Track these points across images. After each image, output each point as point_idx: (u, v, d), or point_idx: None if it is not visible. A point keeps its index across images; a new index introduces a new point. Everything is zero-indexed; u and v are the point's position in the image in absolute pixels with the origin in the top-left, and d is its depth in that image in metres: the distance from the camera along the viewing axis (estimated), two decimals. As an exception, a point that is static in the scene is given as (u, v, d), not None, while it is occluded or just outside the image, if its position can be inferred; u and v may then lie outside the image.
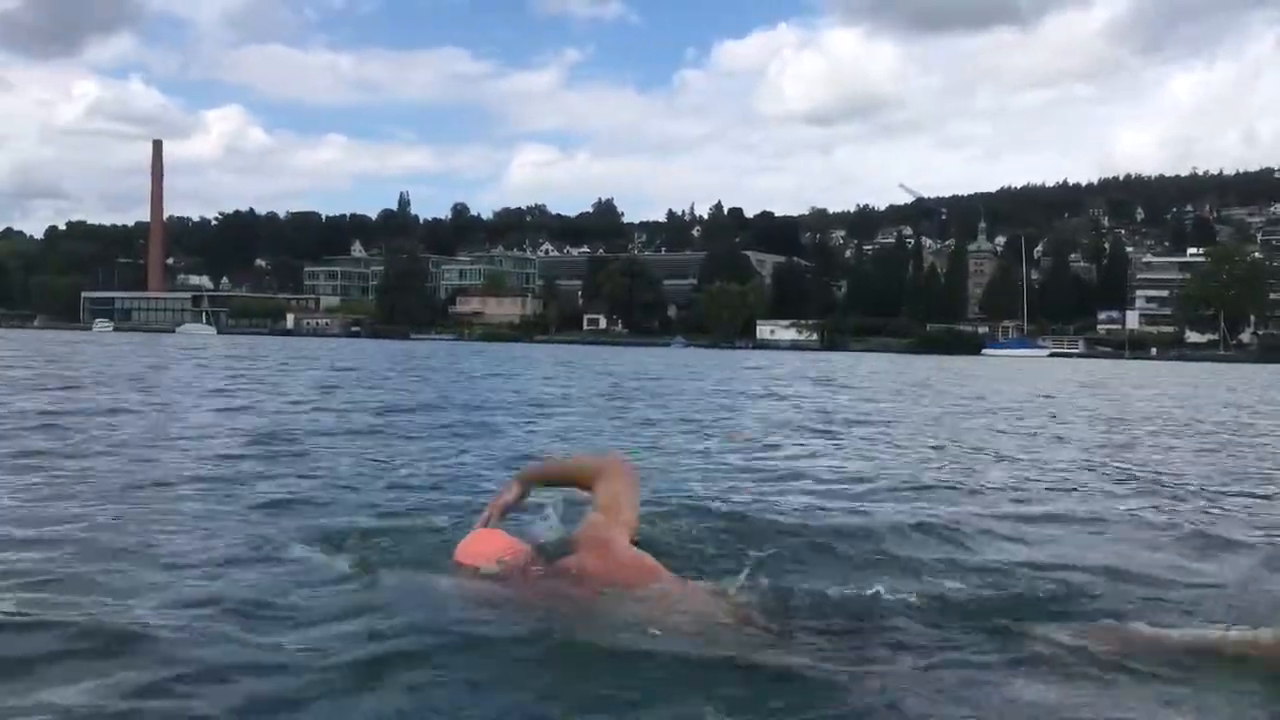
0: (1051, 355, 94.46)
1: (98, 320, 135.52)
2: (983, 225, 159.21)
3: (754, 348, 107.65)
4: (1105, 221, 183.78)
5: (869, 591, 3.48)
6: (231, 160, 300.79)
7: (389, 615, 3.18)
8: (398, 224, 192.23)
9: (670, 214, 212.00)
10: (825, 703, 2.57)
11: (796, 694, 2.62)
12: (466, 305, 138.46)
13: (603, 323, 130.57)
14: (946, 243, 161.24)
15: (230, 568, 3.88)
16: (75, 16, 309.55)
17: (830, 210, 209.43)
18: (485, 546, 3.60)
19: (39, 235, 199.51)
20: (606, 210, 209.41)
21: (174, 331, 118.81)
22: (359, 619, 3.16)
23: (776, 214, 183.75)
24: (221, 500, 5.37)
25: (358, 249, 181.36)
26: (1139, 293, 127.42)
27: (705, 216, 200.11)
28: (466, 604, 3.34)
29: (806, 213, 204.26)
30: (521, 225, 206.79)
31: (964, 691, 2.68)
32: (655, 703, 2.56)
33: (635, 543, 3.53)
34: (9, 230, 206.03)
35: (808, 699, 2.58)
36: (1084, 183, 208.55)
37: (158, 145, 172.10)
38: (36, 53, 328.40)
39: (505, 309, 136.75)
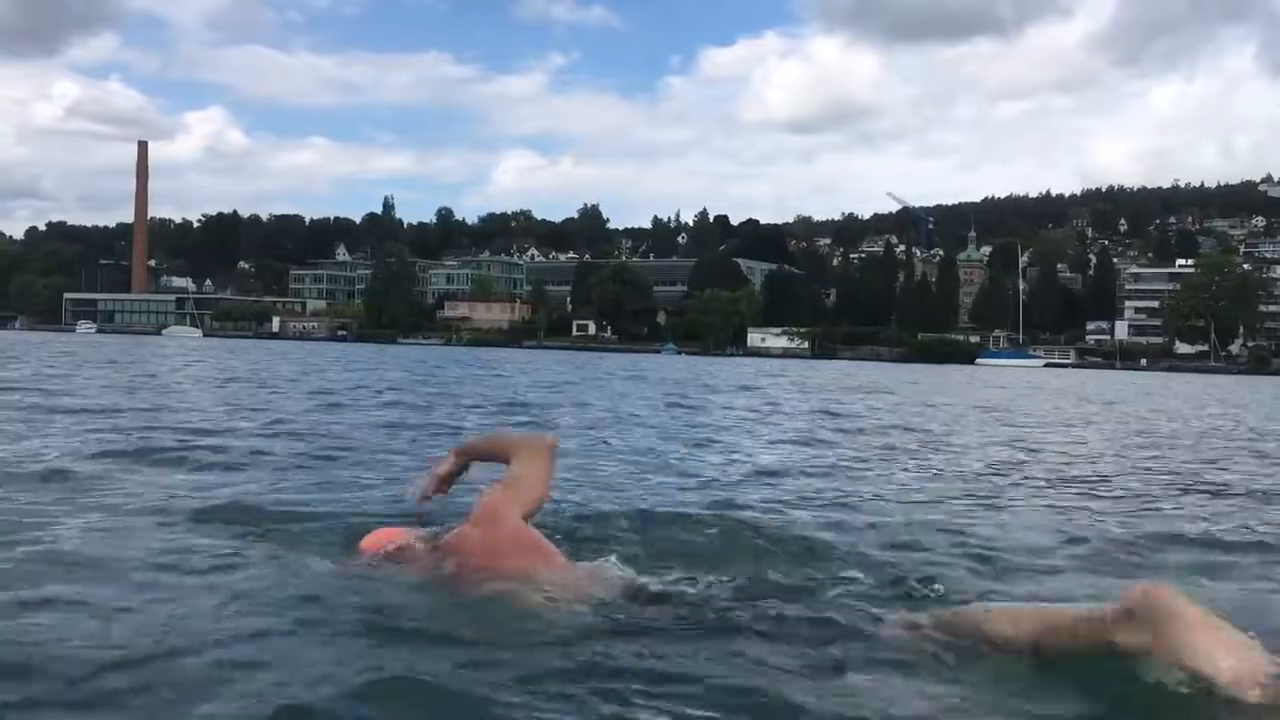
0: (1047, 365, 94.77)
1: (81, 322, 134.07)
2: (972, 234, 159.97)
3: (744, 355, 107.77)
4: (1089, 232, 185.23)
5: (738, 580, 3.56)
6: (212, 162, 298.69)
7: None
8: (382, 228, 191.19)
9: (655, 220, 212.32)
10: (684, 687, 2.65)
11: (655, 681, 2.68)
12: (455, 310, 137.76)
13: (592, 328, 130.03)
14: (933, 251, 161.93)
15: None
16: (55, 16, 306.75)
17: (815, 218, 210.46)
18: (380, 537, 3.77)
19: (18, 236, 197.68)
20: (592, 216, 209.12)
21: (159, 334, 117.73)
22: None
23: (761, 221, 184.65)
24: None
25: (342, 252, 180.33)
26: (1127, 303, 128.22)
27: (690, 223, 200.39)
28: (332, 590, 3.37)
29: (790, 220, 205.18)
30: (507, 230, 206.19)
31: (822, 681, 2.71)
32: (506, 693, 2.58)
33: (529, 518, 3.60)
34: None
35: (666, 685, 2.66)
36: (1067, 194, 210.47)
37: (143, 146, 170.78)
38: (15, 52, 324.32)
39: (494, 314, 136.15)
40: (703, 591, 3.35)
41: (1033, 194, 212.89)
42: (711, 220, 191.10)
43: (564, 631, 2.99)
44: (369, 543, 3.76)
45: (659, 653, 2.84)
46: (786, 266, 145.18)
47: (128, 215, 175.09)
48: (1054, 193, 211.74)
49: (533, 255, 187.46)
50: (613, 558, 3.65)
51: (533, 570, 3.35)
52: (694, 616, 3.11)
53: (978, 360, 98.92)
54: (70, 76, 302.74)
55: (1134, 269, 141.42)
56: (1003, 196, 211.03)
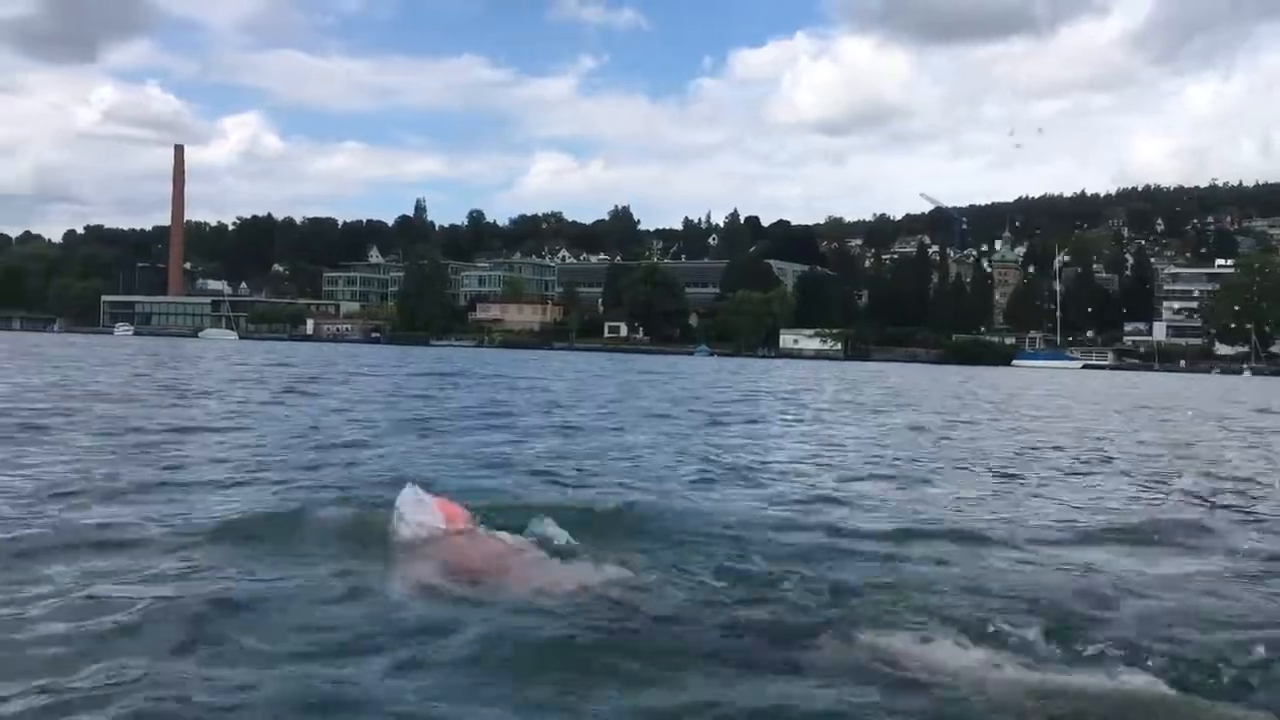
0: (1085, 367, 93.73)
1: (119, 324, 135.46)
2: (1007, 235, 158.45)
3: (776, 356, 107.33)
4: (1125, 232, 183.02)
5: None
6: (247, 166, 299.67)
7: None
8: (415, 230, 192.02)
9: (686, 222, 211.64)
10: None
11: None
12: (487, 312, 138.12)
13: (624, 330, 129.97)
14: (966, 252, 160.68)
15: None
16: (92, 21, 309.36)
17: (846, 219, 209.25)
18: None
19: (56, 239, 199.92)
20: (623, 218, 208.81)
21: (196, 336, 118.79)
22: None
23: (791, 222, 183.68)
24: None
25: (375, 255, 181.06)
26: (1165, 304, 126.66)
27: (721, 224, 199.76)
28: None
29: (821, 221, 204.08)
30: (538, 232, 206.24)
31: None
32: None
33: None
34: (27, 234, 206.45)
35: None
36: (1102, 193, 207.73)
37: (179, 150, 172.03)
38: (53, 57, 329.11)
39: (525, 315, 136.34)
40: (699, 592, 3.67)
41: (1067, 193, 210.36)
42: (742, 222, 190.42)
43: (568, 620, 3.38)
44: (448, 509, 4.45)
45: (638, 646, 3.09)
46: (818, 268, 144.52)
47: (164, 219, 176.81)
48: (1089, 192, 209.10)
49: (564, 257, 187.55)
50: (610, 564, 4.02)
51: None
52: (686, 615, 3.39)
53: (1014, 361, 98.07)
54: (108, 81, 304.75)
55: (1172, 269, 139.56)
56: (1037, 196, 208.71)
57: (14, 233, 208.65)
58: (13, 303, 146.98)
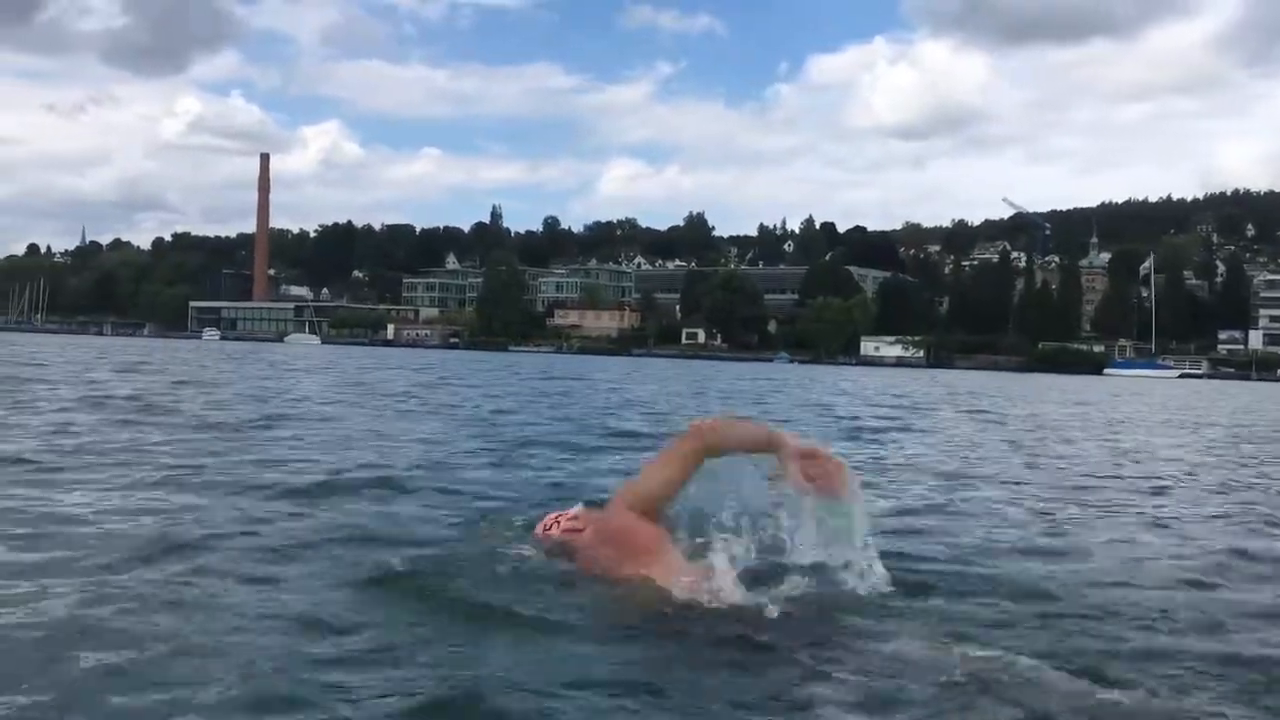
0: (1182, 376, 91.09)
1: (206, 329, 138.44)
2: (1094, 240, 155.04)
3: (857, 364, 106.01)
4: (1215, 238, 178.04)
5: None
6: (328, 174, 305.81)
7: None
8: (491, 236, 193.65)
9: (761, 228, 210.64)
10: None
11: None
12: (565, 318, 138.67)
13: (701, 337, 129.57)
14: (1047, 258, 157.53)
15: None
16: (180, 35, 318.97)
17: (923, 225, 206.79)
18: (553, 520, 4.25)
19: (146, 246, 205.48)
20: (698, 224, 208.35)
21: (282, 341, 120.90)
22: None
23: (868, 228, 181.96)
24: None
25: (452, 261, 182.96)
26: (1262, 311, 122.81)
27: (797, 230, 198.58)
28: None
29: (898, 227, 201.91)
30: (612, 238, 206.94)
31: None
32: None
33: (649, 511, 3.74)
34: (117, 241, 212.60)
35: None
36: (1189, 198, 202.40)
37: (265, 159, 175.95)
38: (143, 69, 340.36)
39: (603, 322, 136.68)
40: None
41: (1153, 198, 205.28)
42: (818, 228, 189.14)
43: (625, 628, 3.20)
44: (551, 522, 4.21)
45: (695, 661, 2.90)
46: (901, 275, 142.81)
47: (247, 226, 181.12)
48: (1175, 197, 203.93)
49: (639, 263, 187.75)
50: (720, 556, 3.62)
51: (619, 566, 3.62)
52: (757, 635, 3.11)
53: (1106, 371, 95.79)
54: (194, 93, 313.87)
55: (1267, 275, 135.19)
56: (1121, 201, 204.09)
57: (105, 240, 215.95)
58: (104, 308, 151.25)
